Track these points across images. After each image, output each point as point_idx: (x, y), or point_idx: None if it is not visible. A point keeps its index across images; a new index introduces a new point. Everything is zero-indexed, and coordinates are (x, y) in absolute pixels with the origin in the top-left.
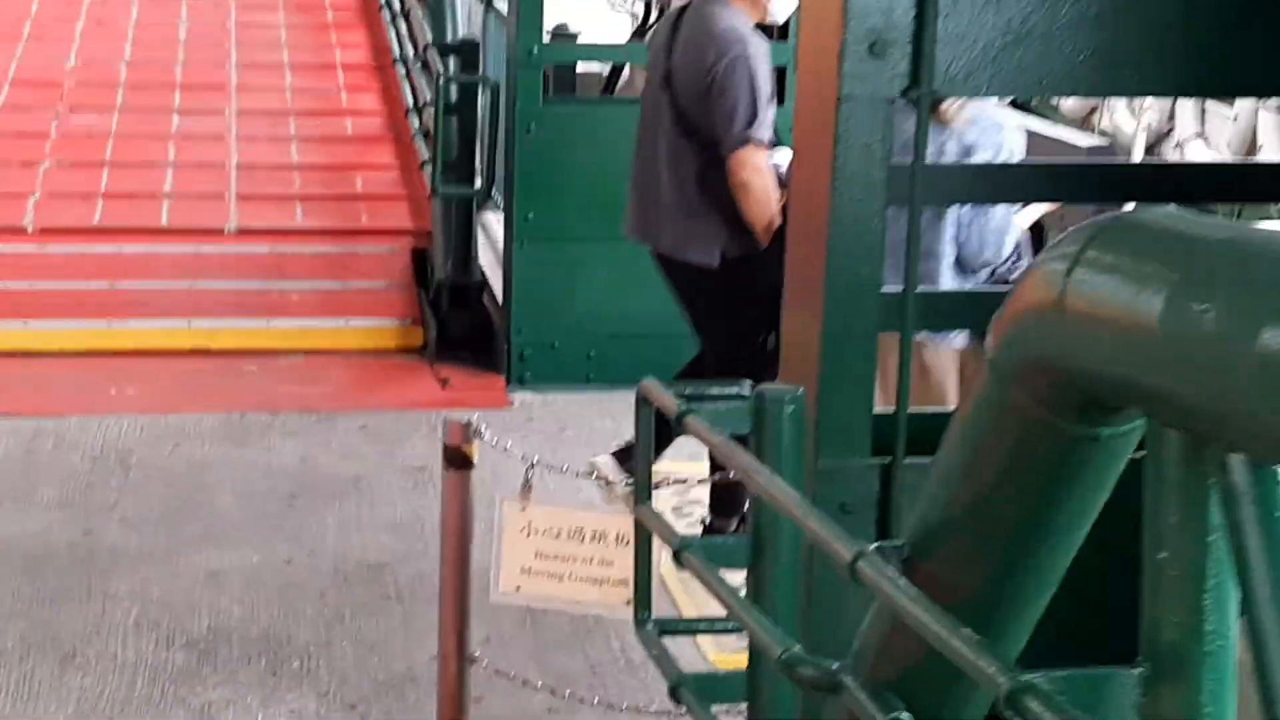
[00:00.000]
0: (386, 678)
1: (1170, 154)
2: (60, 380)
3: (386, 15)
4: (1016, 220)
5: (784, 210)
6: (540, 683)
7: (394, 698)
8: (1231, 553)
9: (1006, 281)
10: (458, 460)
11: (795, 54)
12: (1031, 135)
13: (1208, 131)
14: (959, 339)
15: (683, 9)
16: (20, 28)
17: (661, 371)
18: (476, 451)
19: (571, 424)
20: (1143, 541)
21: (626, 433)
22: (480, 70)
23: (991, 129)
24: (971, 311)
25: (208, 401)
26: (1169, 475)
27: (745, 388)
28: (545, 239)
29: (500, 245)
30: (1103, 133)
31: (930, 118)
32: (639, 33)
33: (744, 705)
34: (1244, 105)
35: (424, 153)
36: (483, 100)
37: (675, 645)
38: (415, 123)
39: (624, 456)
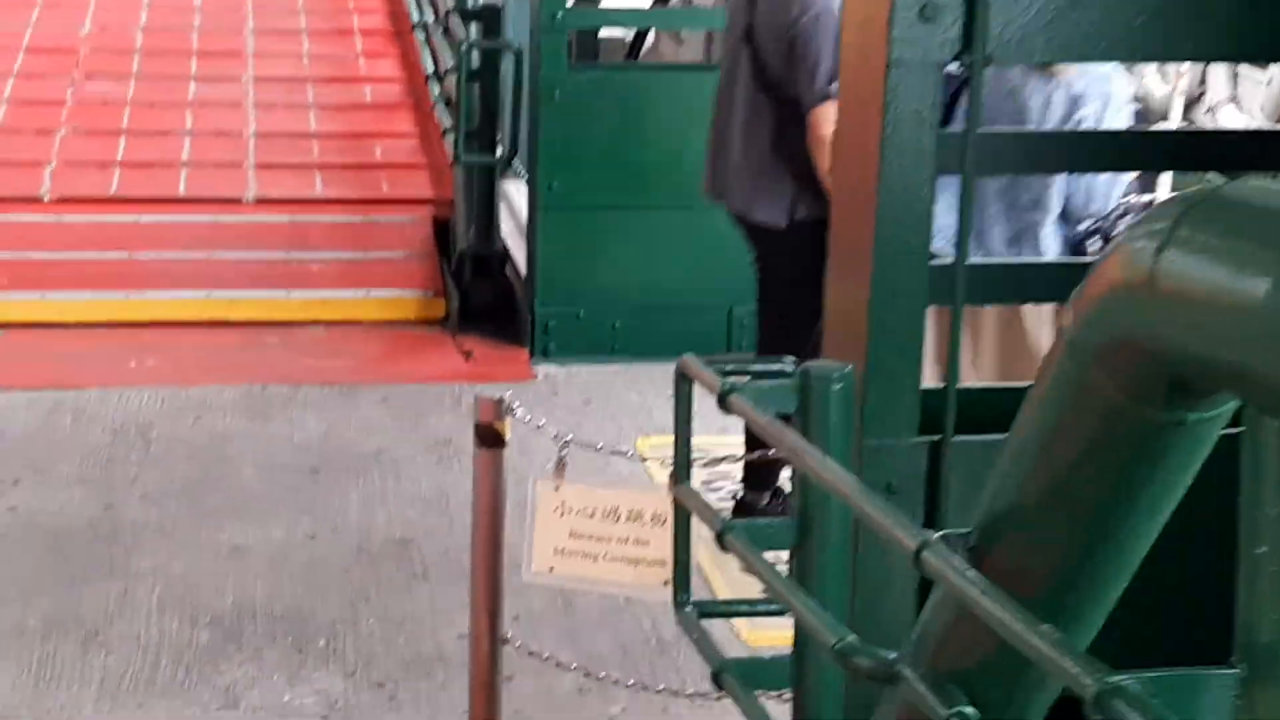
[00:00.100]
0: (414, 657)
1: (1202, 119)
2: (78, 352)
3: None
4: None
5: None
6: (574, 664)
7: (422, 677)
8: None
9: (1108, 238)
10: (490, 438)
11: (842, 18)
12: None
13: (1239, 95)
14: None
15: None
16: None
17: (687, 343)
18: (509, 429)
19: (596, 397)
20: (1237, 534)
21: (652, 406)
22: (502, 36)
23: (1100, 78)
24: (1024, 284)
25: (228, 374)
26: (1269, 465)
27: (789, 364)
28: (569, 208)
29: (521, 215)
30: (1135, 98)
31: (1039, 72)
32: None
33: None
34: (1278, 69)
35: (445, 120)
36: (505, 67)
37: (706, 621)
38: (436, 90)
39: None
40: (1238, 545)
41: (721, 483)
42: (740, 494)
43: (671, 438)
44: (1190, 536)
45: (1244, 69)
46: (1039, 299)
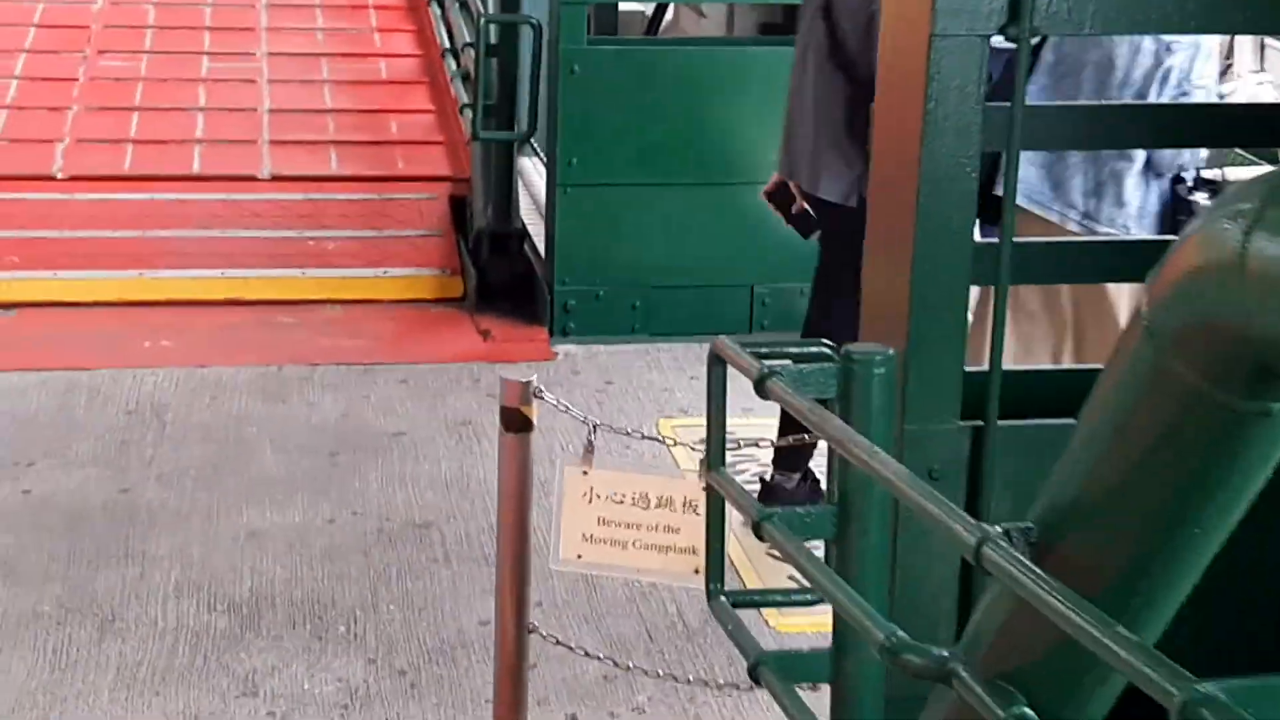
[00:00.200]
0: (436, 643)
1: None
2: (92, 332)
3: None
4: None
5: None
6: (599, 652)
7: (445, 664)
8: None
9: (1186, 200)
10: (516, 422)
11: None
12: None
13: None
14: None
15: None
16: None
17: (709, 323)
18: (536, 413)
19: (617, 377)
20: None
21: (674, 386)
22: (520, 10)
23: None
24: (1071, 263)
25: (244, 354)
26: None
27: (826, 347)
28: (589, 185)
29: (536, 192)
30: None
31: None
32: None
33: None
34: None
35: (463, 96)
36: (523, 41)
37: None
38: (453, 65)
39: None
40: None
41: (746, 465)
42: (769, 475)
43: (694, 419)
44: (1269, 533)
45: (1270, 40)
46: (1086, 279)
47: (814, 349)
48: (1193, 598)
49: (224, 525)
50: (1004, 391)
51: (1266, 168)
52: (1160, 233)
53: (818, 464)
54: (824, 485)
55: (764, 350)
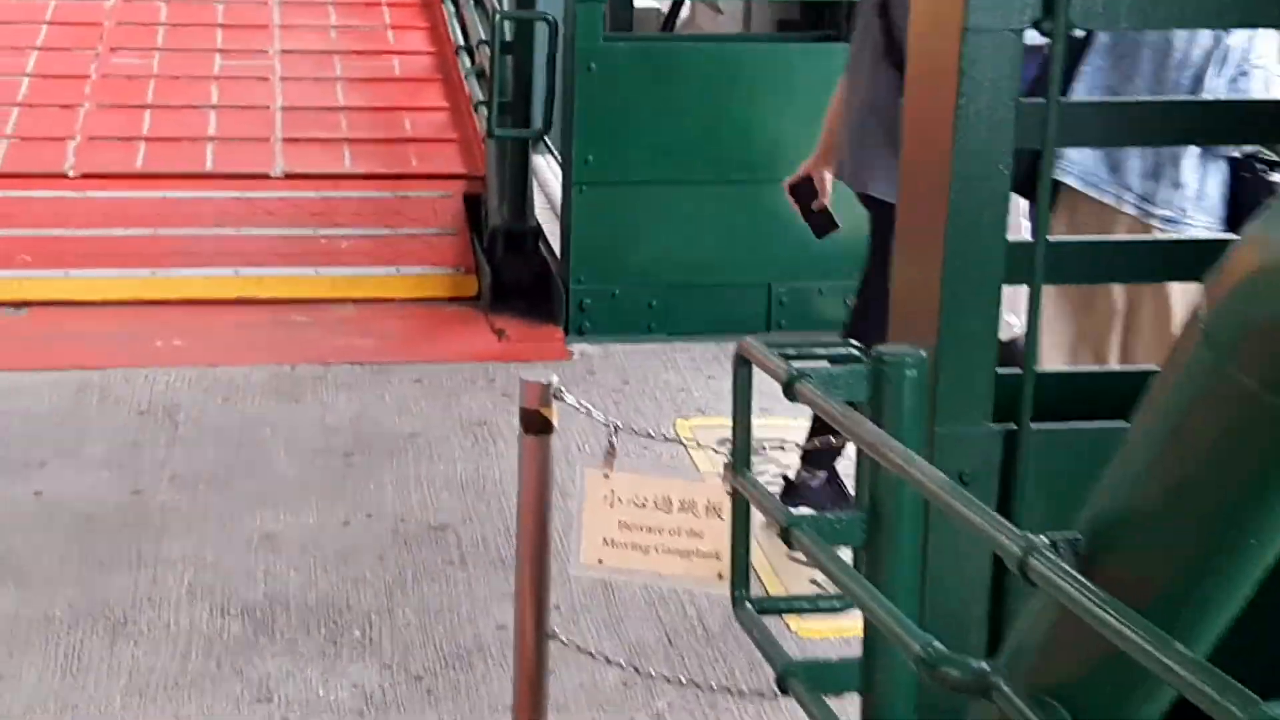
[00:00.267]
0: (453, 648)
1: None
2: (104, 332)
3: None
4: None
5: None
6: (623, 661)
7: (461, 669)
8: None
9: (1248, 176)
10: (536, 424)
11: None
12: None
13: None
14: None
15: None
16: None
17: (726, 322)
18: (556, 415)
19: (634, 377)
20: None
21: (691, 386)
22: (536, 6)
23: None
24: (1108, 262)
25: (257, 353)
26: None
27: (853, 346)
28: (605, 183)
29: (549, 190)
30: None
31: None
32: None
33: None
34: None
35: (477, 93)
36: (539, 38)
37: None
38: (467, 62)
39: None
40: None
41: (766, 465)
42: (794, 473)
43: (712, 420)
44: None
45: None
46: (1124, 279)
47: (842, 350)
48: (1245, 611)
49: (237, 528)
50: (1038, 393)
51: None
52: (1220, 216)
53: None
54: (848, 486)
55: (791, 352)
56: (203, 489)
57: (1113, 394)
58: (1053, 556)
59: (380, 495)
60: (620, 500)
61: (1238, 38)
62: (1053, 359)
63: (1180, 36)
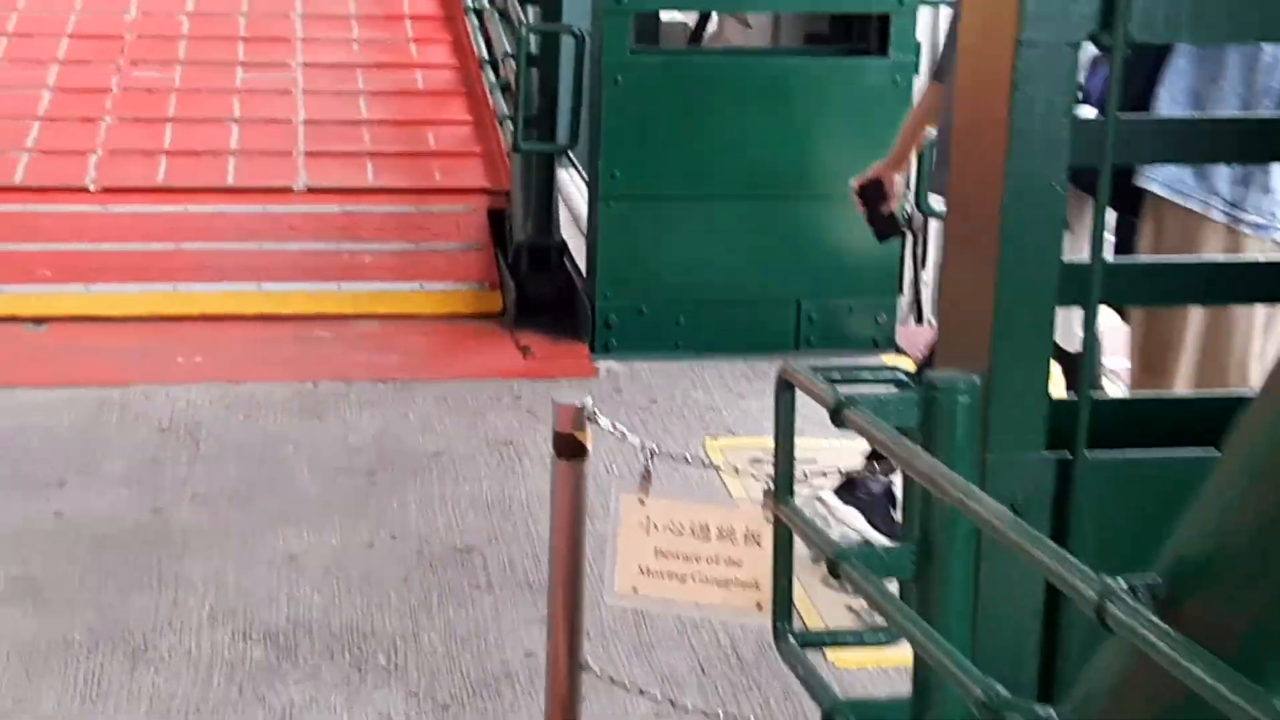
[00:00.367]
0: (480, 675)
1: None
2: (125, 347)
3: None
4: None
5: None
6: (651, 688)
7: (489, 697)
8: None
9: None
10: (569, 448)
11: None
12: None
13: None
14: None
15: None
16: None
17: (754, 339)
18: (590, 438)
19: (661, 395)
20: None
21: (720, 405)
22: (561, 19)
23: None
24: (1169, 284)
25: (279, 370)
26: None
27: (900, 368)
28: (631, 198)
29: (574, 205)
30: None
31: None
32: None
33: None
34: None
35: (502, 107)
36: (564, 51)
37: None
38: (491, 76)
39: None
40: None
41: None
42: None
43: (741, 439)
44: None
45: None
46: (1185, 301)
47: (888, 373)
48: None
49: (260, 549)
50: (1094, 418)
51: None
52: None
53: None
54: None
55: (836, 375)
56: (224, 508)
57: (1175, 420)
58: (1132, 602)
59: (404, 515)
60: (656, 527)
61: None
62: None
63: (1268, 47)
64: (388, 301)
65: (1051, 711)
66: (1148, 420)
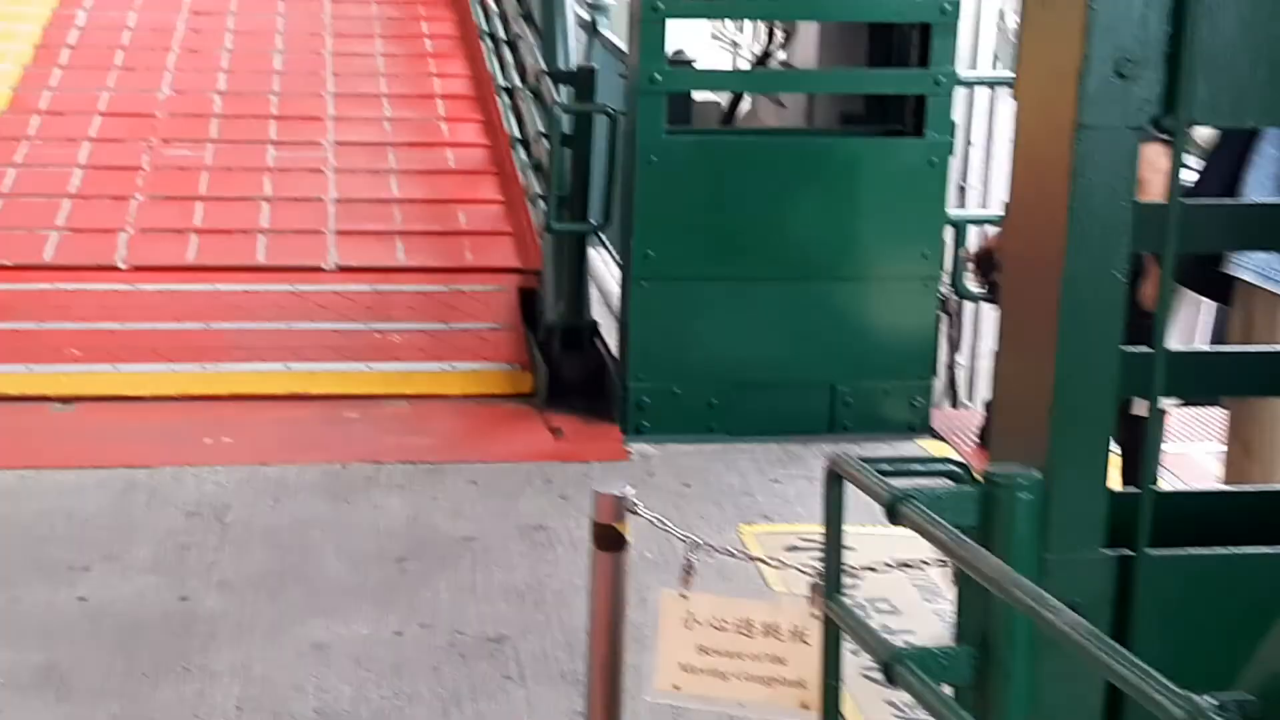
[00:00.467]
0: None
1: None
2: (153, 428)
3: (488, 44)
4: None
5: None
6: None
7: None
8: None
9: None
10: (609, 540)
11: (1018, 71)
12: None
13: None
14: None
15: None
16: (112, 58)
17: (788, 422)
18: (629, 529)
19: (695, 479)
20: None
21: (754, 489)
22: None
23: None
24: (1237, 373)
25: (308, 452)
26: None
27: (952, 459)
28: (665, 278)
29: (603, 284)
30: None
31: None
32: (761, 60)
33: None
34: None
35: (534, 186)
36: (597, 131)
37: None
38: (523, 155)
39: None
40: None
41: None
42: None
43: (777, 526)
44: None
45: None
46: (1252, 391)
47: (939, 465)
48: None
49: (287, 638)
50: (1157, 515)
51: None
52: None
53: None
54: None
55: (886, 467)
56: (251, 596)
57: (1245, 515)
58: None
59: (435, 604)
60: (698, 622)
61: None
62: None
63: None
64: (417, 382)
65: None
66: (1216, 515)
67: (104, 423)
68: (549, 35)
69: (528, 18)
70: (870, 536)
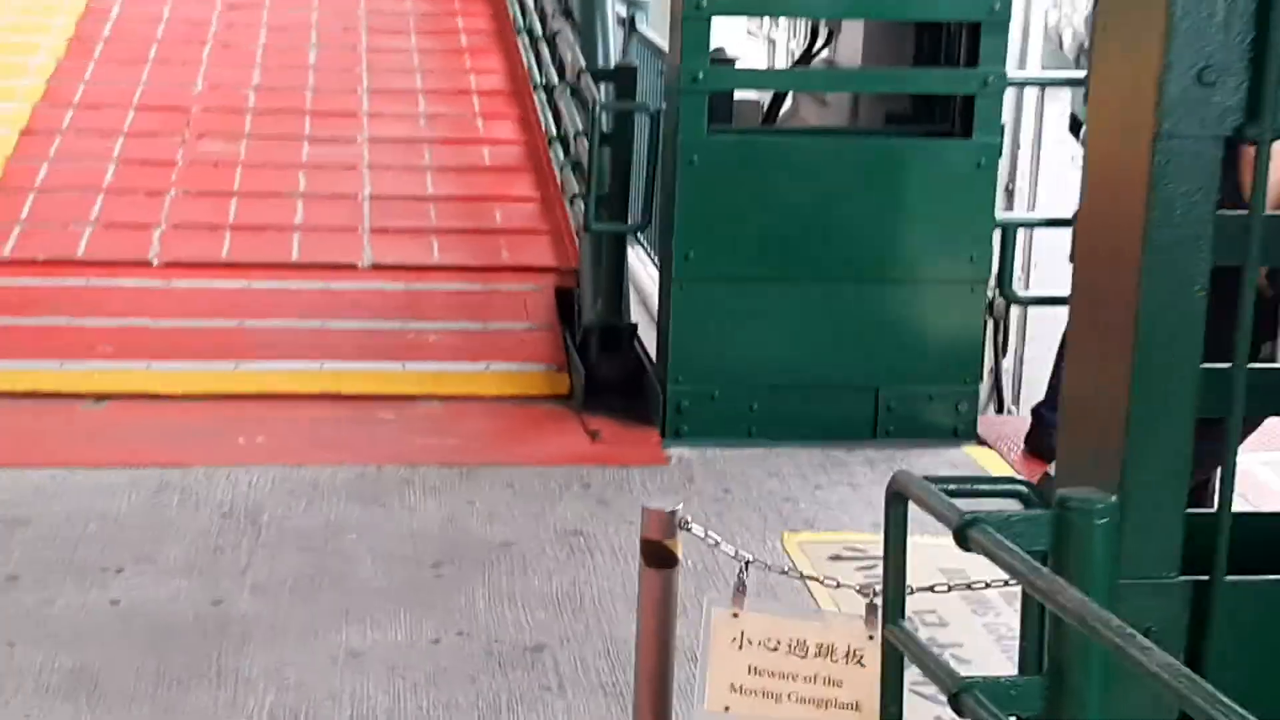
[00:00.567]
0: None
1: None
2: (185, 427)
3: (524, 40)
4: None
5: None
6: None
7: None
8: None
9: None
10: (659, 557)
11: (1090, 78)
12: None
13: None
14: None
15: None
16: (146, 51)
17: (830, 427)
18: (680, 546)
19: (735, 485)
20: None
21: (797, 495)
22: (636, 97)
23: None
24: None
25: (342, 452)
26: None
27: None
28: (705, 280)
29: (641, 285)
30: None
31: None
32: (805, 58)
33: None
34: None
35: (572, 185)
36: (638, 130)
37: None
38: (561, 153)
39: None
40: None
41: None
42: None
43: (821, 534)
44: None
45: None
46: None
47: (1006, 484)
48: None
49: (321, 644)
50: (1234, 539)
51: None
52: None
53: None
54: None
55: (951, 487)
56: (285, 600)
57: None
58: None
59: (471, 610)
60: (750, 642)
61: None
62: None
63: None
64: (452, 382)
65: None
66: None
67: (136, 421)
68: (589, 32)
69: (567, 14)
70: (916, 547)
